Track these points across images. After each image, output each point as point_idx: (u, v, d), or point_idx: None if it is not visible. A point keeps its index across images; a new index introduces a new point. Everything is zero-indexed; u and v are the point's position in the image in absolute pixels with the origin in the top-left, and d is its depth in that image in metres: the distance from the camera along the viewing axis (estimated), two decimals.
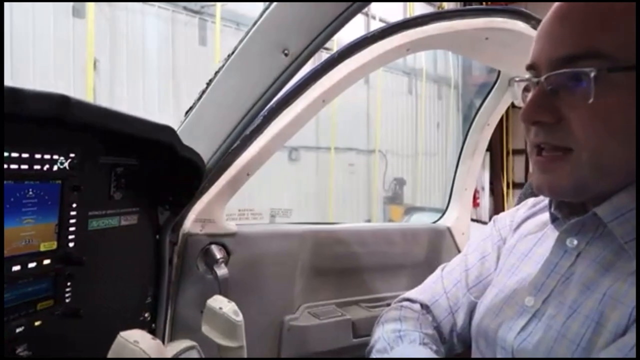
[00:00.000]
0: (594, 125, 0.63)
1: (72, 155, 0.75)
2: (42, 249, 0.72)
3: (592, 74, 0.61)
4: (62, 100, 0.62)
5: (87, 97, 4.15)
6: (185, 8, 5.04)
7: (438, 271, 1.01)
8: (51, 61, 4.08)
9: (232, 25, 5.25)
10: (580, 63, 0.62)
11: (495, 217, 1.00)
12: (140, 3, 4.64)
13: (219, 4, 5.09)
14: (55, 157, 0.73)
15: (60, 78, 4.09)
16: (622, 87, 0.61)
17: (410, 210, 7.16)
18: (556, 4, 0.69)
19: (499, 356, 0.76)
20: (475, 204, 8.09)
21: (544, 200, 0.87)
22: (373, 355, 0.86)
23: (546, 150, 0.68)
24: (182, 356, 0.84)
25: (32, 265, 0.71)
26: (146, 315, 1.00)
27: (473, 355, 0.86)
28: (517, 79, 0.74)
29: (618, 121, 0.62)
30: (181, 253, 1.11)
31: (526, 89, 0.73)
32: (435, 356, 0.81)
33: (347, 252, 1.46)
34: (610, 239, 0.67)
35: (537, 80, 0.68)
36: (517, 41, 1.24)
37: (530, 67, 0.71)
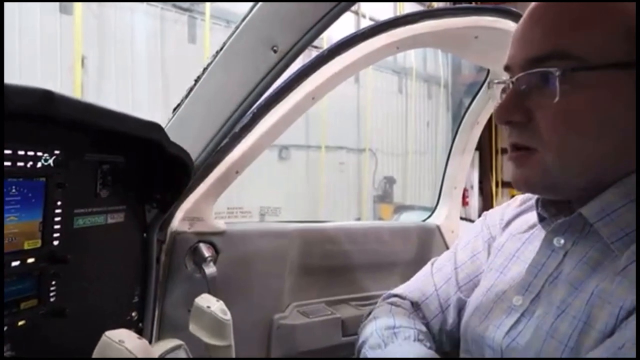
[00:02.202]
0: (558, 125, 0.64)
1: (56, 152, 0.74)
2: (26, 247, 0.71)
3: (557, 74, 0.62)
4: (46, 96, 0.60)
5: (75, 94, 4.10)
6: (174, 5, 5.00)
7: (428, 266, 1.01)
8: (38, 58, 4.03)
9: (221, 23, 5.22)
10: (547, 63, 0.64)
11: (485, 212, 1.00)
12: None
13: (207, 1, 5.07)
14: (40, 153, 0.71)
15: (47, 75, 4.04)
16: (591, 86, 0.62)
17: (400, 208, 7.19)
18: (529, 6, 0.70)
19: (487, 355, 0.76)
20: (465, 202, 8.13)
21: (532, 199, 0.88)
22: (366, 352, 0.84)
23: (516, 149, 0.70)
24: (169, 356, 0.83)
25: (15, 263, 0.69)
26: (133, 314, 0.99)
27: (461, 354, 0.86)
28: (496, 81, 0.76)
29: (586, 120, 0.63)
30: (169, 252, 1.10)
31: (504, 91, 0.74)
32: (429, 352, 0.80)
33: (337, 250, 1.46)
34: (596, 238, 0.67)
35: (511, 81, 0.70)
36: (507, 40, 1.22)
37: (507, 69, 0.72)
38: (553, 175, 0.67)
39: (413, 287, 0.98)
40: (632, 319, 0.57)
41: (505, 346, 0.71)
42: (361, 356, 0.86)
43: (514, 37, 0.72)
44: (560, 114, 0.64)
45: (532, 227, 0.83)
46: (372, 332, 0.87)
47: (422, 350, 0.80)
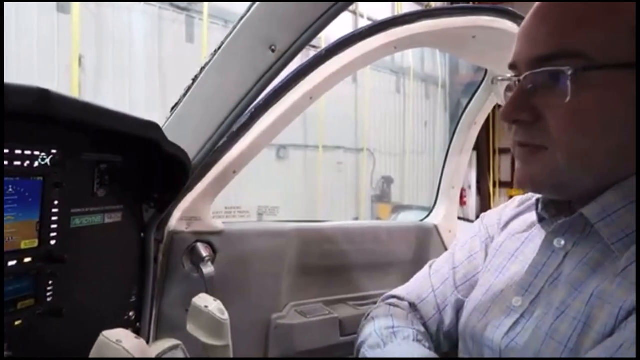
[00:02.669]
0: (569, 124, 0.64)
1: (53, 151, 0.74)
2: (23, 246, 0.71)
3: (569, 72, 0.62)
4: (43, 95, 0.60)
5: (73, 93, 4.09)
6: (172, 5, 4.99)
7: (426, 268, 1.01)
8: (35, 57, 4.01)
9: (219, 23, 5.21)
10: (557, 62, 0.64)
11: (483, 214, 1.00)
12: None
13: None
14: (36, 153, 0.71)
15: (44, 74, 4.03)
16: (598, 85, 0.62)
17: (398, 208, 7.19)
18: (536, 4, 0.70)
19: (485, 355, 0.76)
20: (462, 202, 8.14)
21: (531, 199, 0.88)
22: (365, 351, 0.85)
23: (525, 147, 0.70)
24: (167, 355, 0.83)
25: (12, 263, 0.69)
26: (130, 314, 0.98)
27: (460, 354, 0.86)
28: (500, 77, 0.75)
29: (595, 120, 0.63)
30: (166, 251, 1.10)
31: (508, 88, 0.74)
32: (428, 352, 0.80)
33: (335, 250, 1.45)
34: (597, 238, 0.67)
35: (517, 79, 0.69)
36: (504, 40, 1.24)
37: (512, 67, 0.72)
38: (561, 174, 0.67)
39: (411, 288, 0.98)
40: (632, 320, 0.57)
41: (505, 346, 0.71)
42: (360, 356, 0.86)
43: (519, 34, 0.71)
44: (570, 114, 0.63)
45: (531, 227, 0.83)
46: (371, 332, 0.87)
47: (421, 350, 0.80)
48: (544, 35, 0.66)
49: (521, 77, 0.68)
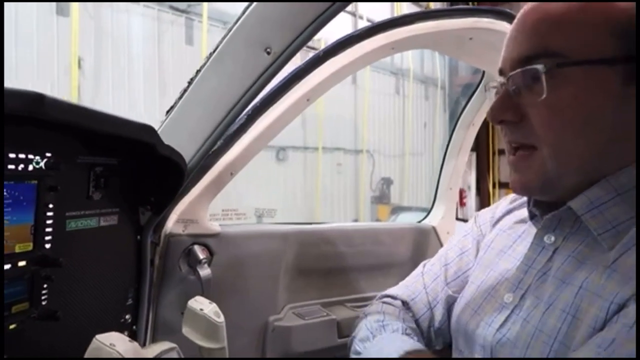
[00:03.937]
0: (550, 120, 0.66)
1: (48, 154, 0.73)
2: (17, 250, 0.71)
3: (543, 70, 0.65)
4: (36, 98, 0.60)
5: (72, 96, 4.10)
6: (171, 7, 5.00)
7: (420, 268, 1.03)
8: (34, 60, 4.02)
9: (219, 25, 5.22)
10: (534, 62, 0.66)
11: (477, 213, 1.01)
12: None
13: (205, 3, 5.07)
14: (31, 156, 0.71)
15: (43, 77, 4.04)
16: (576, 82, 0.64)
17: (397, 209, 7.20)
18: (519, 12, 0.73)
19: (477, 352, 0.76)
20: (462, 203, 8.15)
21: (523, 196, 0.88)
22: (355, 344, 0.87)
23: (516, 149, 0.72)
24: (162, 357, 0.83)
25: (6, 267, 0.69)
26: (127, 317, 0.98)
27: (453, 351, 0.86)
28: (491, 84, 0.78)
29: (575, 115, 0.65)
30: (163, 254, 1.10)
31: (497, 92, 0.76)
32: (416, 344, 0.81)
33: (333, 251, 1.45)
34: (585, 233, 0.68)
35: (502, 82, 0.72)
36: (502, 42, 1.23)
37: (500, 72, 0.74)
38: (550, 172, 0.68)
39: (404, 287, 1.00)
40: (623, 314, 0.57)
41: (496, 342, 0.72)
42: (351, 349, 0.88)
43: (505, 40, 0.74)
44: (549, 110, 0.66)
45: (522, 223, 0.84)
46: (362, 326, 0.89)
47: (409, 342, 0.80)
48: (524, 38, 0.69)
49: (504, 80, 0.71)
